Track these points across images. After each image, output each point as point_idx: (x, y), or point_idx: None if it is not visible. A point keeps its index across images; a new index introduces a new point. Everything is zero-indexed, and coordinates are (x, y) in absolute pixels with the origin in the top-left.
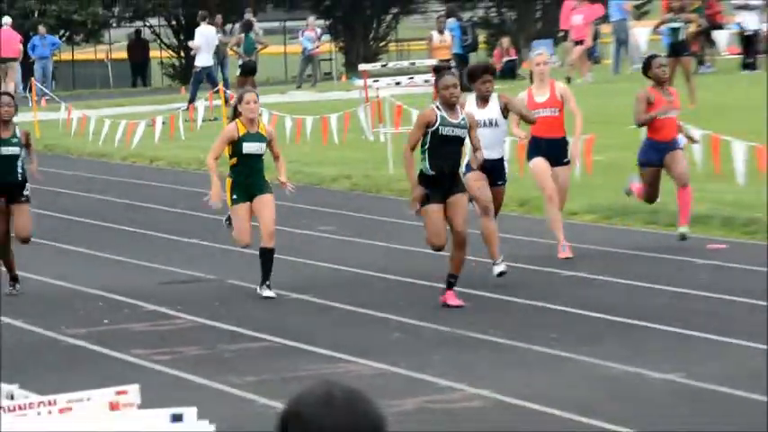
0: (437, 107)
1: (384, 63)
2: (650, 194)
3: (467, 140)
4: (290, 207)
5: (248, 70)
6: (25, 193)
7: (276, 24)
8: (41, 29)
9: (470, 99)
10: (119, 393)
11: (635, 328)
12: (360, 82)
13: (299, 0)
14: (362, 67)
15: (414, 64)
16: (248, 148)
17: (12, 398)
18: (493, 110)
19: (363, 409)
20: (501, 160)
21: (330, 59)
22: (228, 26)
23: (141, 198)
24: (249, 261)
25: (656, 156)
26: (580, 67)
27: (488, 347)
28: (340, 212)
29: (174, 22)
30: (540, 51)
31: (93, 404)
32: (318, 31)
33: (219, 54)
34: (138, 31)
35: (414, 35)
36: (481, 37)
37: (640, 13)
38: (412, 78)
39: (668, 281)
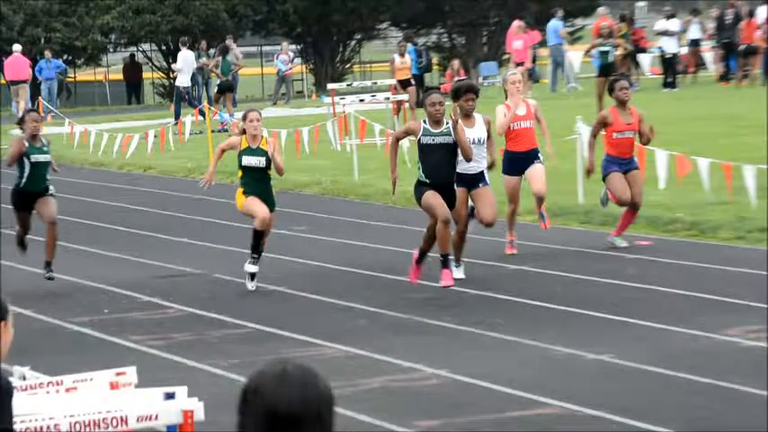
0: (424, 120)
1: (349, 83)
2: (625, 203)
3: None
4: None
5: (225, 88)
6: (50, 190)
7: (254, 49)
8: (47, 53)
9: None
10: (118, 374)
11: (571, 314)
12: (328, 99)
13: (274, 27)
14: (330, 86)
15: (375, 83)
16: (247, 161)
17: (24, 378)
18: (480, 129)
19: (314, 384)
20: (482, 172)
21: (302, 79)
22: (211, 50)
23: (136, 202)
24: (232, 257)
25: (616, 167)
26: (522, 86)
27: (444, 332)
28: (311, 214)
29: (163, 47)
30: (514, 71)
31: (95, 384)
32: (291, 54)
33: (204, 74)
34: (132, 56)
35: (375, 58)
36: (435, 59)
37: (574, 38)
38: (374, 96)
39: (600, 273)
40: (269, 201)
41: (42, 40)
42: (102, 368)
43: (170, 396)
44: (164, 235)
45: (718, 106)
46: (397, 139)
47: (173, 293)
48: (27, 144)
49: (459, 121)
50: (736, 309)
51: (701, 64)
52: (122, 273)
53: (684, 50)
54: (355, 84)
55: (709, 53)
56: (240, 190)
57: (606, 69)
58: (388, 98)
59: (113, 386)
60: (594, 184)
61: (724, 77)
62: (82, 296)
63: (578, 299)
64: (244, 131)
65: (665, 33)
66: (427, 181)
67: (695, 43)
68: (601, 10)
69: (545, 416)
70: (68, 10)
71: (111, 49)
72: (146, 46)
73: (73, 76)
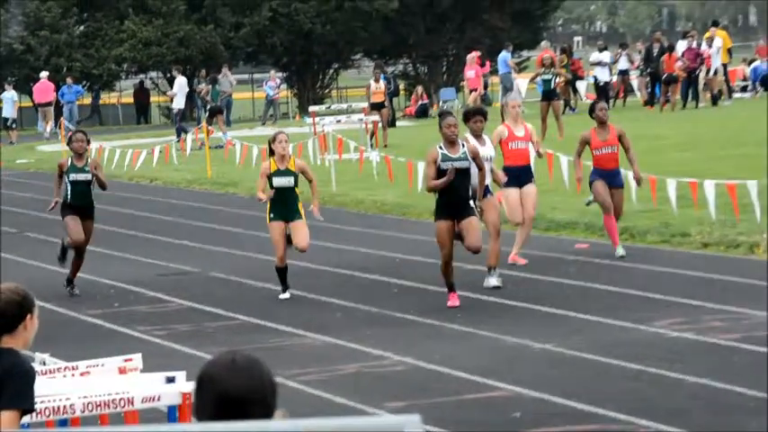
0: (440, 146)
1: (328, 105)
2: (606, 208)
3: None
4: (257, 216)
5: (214, 112)
6: (93, 213)
7: (246, 76)
8: (69, 80)
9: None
10: (126, 360)
11: (520, 309)
12: (310, 120)
13: (263, 58)
14: (311, 108)
15: (350, 106)
16: (278, 182)
17: (44, 364)
18: (489, 148)
19: (259, 372)
20: (487, 186)
21: (287, 103)
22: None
23: (143, 209)
24: (226, 257)
25: (599, 177)
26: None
27: (409, 324)
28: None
29: (168, 75)
30: (514, 97)
31: (105, 369)
32: (278, 81)
33: (202, 99)
34: (141, 82)
35: (350, 84)
36: (401, 85)
37: (520, 68)
38: (349, 117)
39: (545, 272)
40: (296, 212)
41: (65, 69)
42: (112, 355)
43: (171, 380)
44: (166, 238)
45: (644, 127)
46: (434, 178)
47: (174, 289)
48: (69, 163)
49: (473, 141)
50: (662, 304)
51: (629, 90)
52: (130, 271)
53: (615, 79)
54: (333, 107)
55: (635, 81)
56: (268, 206)
57: (548, 95)
58: (361, 119)
59: (121, 371)
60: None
61: (649, 102)
62: (95, 292)
63: (526, 295)
64: (272, 152)
65: (598, 64)
66: (445, 202)
67: (624, 73)
68: (543, 43)
69: (497, 398)
70: (87, 43)
71: (124, 77)
72: (153, 74)
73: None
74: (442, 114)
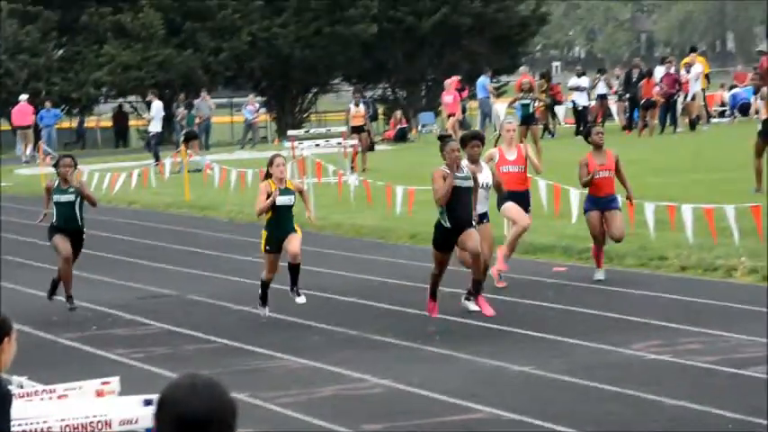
0: (444, 168)
1: (307, 130)
2: (599, 242)
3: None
4: (235, 239)
5: (189, 137)
6: (83, 237)
7: (225, 100)
8: (47, 104)
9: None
10: (103, 384)
11: (499, 331)
12: (288, 144)
13: (242, 82)
14: (290, 132)
15: (329, 130)
16: (281, 201)
17: (21, 387)
18: (486, 174)
19: (219, 394)
20: (486, 212)
21: (266, 127)
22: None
23: (121, 232)
24: (204, 280)
25: (594, 206)
26: (454, 134)
27: (388, 347)
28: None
29: (147, 99)
30: (510, 120)
31: (83, 392)
32: (257, 105)
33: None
34: (120, 106)
35: (329, 108)
36: (380, 110)
37: (499, 92)
38: (328, 141)
39: (523, 295)
40: (293, 228)
41: (43, 93)
42: (89, 378)
43: (148, 402)
44: (145, 261)
45: (622, 151)
46: (448, 191)
47: (152, 312)
48: (55, 185)
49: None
50: (640, 326)
51: (607, 115)
52: (108, 294)
53: (593, 103)
54: (312, 131)
55: (614, 106)
56: (264, 234)
57: (527, 119)
58: (339, 143)
59: (99, 394)
60: None
61: (627, 127)
62: (73, 315)
63: (505, 318)
64: (268, 176)
65: (576, 89)
66: (448, 225)
67: (602, 97)
68: (522, 68)
69: (475, 420)
70: (66, 66)
71: (103, 100)
72: (132, 98)
73: (69, 123)
74: (443, 138)
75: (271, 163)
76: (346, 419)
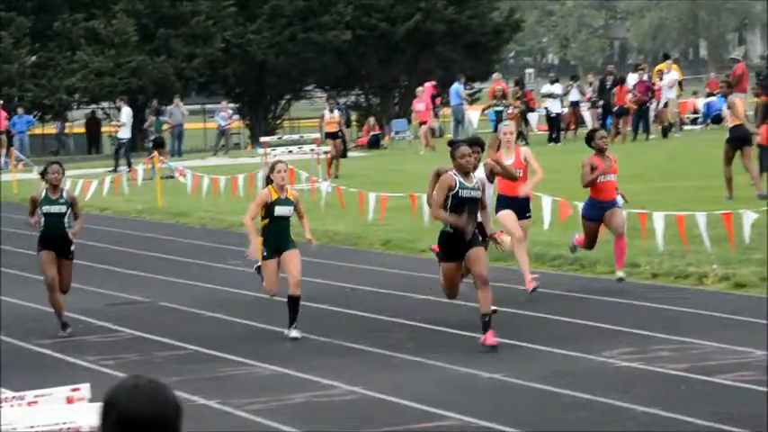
0: (454, 173)
1: (280, 136)
2: (588, 245)
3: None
4: (208, 246)
5: (158, 144)
6: (72, 249)
7: (198, 107)
8: (20, 110)
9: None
10: (74, 390)
11: (470, 338)
12: (261, 150)
13: (216, 88)
14: (263, 139)
15: (302, 137)
16: (279, 211)
17: None
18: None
19: (162, 395)
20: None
21: (239, 133)
22: (163, 108)
23: (94, 239)
24: (175, 287)
25: (596, 213)
26: (425, 141)
27: (359, 354)
28: (245, 250)
29: (116, 105)
30: (507, 123)
31: (53, 398)
32: (230, 111)
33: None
34: (93, 112)
35: (302, 115)
36: (353, 116)
37: (472, 99)
38: (301, 148)
39: (495, 302)
40: (291, 243)
41: (16, 99)
42: (60, 385)
43: None
44: (116, 268)
45: None
46: (441, 204)
47: (123, 319)
48: (43, 195)
49: (496, 162)
50: (610, 333)
51: (580, 122)
52: (80, 301)
53: (566, 110)
54: (285, 137)
55: (587, 112)
56: (260, 240)
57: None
58: (312, 149)
59: (69, 401)
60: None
61: None
62: (44, 321)
63: (475, 324)
64: (269, 182)
65: (550, 96)
66: (452, 231)
67: (575, 104)
68: (495, 75)
69: (446, 427)
70: (39, 73)
71: (75, 107)
72: (104, 104)
73: (41, 129)
74: (454, 144)
75: (272, 169)
76: (317, 427)
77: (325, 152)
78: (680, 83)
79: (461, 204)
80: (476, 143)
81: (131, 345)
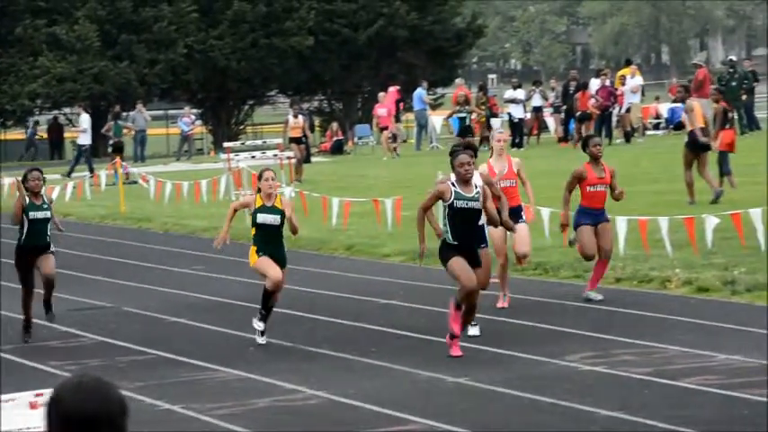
0: (453, 183)
1: (243, 141)
2: (589, 254)
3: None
4: (171, 251)
5: (117, 148)
6: (51, 248)
7: (161, 112)
8: None
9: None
10: (37, 395)
11: (434, 343)
12: (224, 156)
13: (178, 94)
14: (226, 144)
15: (265, 142)
16: (263, 218)
17: None
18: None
19: (106, 392)
20: (482, 226)
21: (202, 139)
22: (124, 114)
23: (56, 244)
24: (138, 292)
25: (589, 220)
26: (386, 147)
27: (323, 359)
28: (208, 255)
29: (74, 112)
30: (501, 130)
31: (17, 403)
32: (193, 117)
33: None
34: (55, 118)
35: (265, 120)
36: (317, 121)
37: (435, 104)
38: (264, 153)
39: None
40: (281, 258)
41: None
42: (23, 390)
43: None
44: (80, 273)
45: (558, 163)
46: (426, 209)
47: (86, 324)
48: (27, 201)
49: (492, 186)
50: (574, 338)
51: (543, 127)
52: (42, 306)
53: (529, 116)
54: (248, 143)
55: (550, 118)
56: (253, 248)
57: (463, 132)
58: (275, 155)
59: (33, 406)
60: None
61: (563, 139)
62: (7, 327)
63: (440, 329)
64: (259, 190)
65: (512, 101)
66: (455, 243)
67: (538, 110)
68: (458, 81)
69: (410, 431)
70: (0, 78)
71: (38, 112)
72: (67, 110)
73: (3, 134)
74: (454, 152)
75: (260, 176)
76: (281, 431)
77: (288, 157)
78: (642, 88)
79: (457, 216)
80: (468, 148)
81: (95, 350)
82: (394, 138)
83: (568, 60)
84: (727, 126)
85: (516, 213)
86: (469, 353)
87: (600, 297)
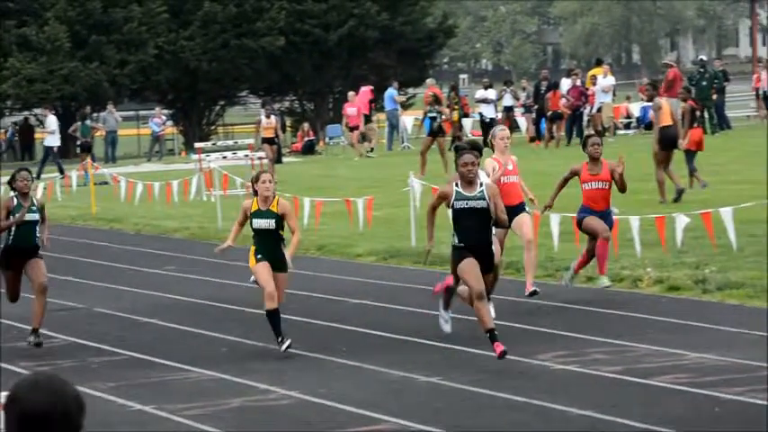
0: (456, 183)
1: (214, 142)
2: (598, 233)
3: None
4: (142, 251)
5: (84, 149)
6: (39, 252)
7: (131, 113)
8: None
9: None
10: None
11: (405, 342)
12: (195, 156)
13: (149, 94)
14: (197, 145)
15: (236, 142)
16: (258, 223)
17: None
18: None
19: (61, 390)
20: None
21: (173, 139)
22: (94, 115)
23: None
24: (110, 293)
25: (589, 215)
26: (355, 146)
27: (295, 359)
28: (180, 255)
29: (53, 112)
30: (502, 128)
31: None
32: (164, 117)
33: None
34: (26, 119)
35: (236, 121)
36: (288, 122)
37: (407, 105)
38: (235, 153)
39: (430, 306)
40: (280, 261)
41: None
42: None
43: None
44: (51, 274)
45: (529, 163)
46: (434, 208)
47: (58, 325)
48: (15, 202)
49: (495, 185)
50: (546, 337)
51: (514, 127)
52: (13, 307)
53: (500, 115)
54: (219, 143)
55: (521, 117)
56: (252, 249)
57: (434, 132)
58: (246, 155)
59: (4, 407)
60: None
61: (535, 138)
62: None
63: (412, 328)
64: (255, 192)
65: (484, 101)
66: (461, 245)
67: (509, 109)
68: (429, 81)
69: (383, 431)
70: None
71: (8, 113)
72: (38, 110)
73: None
74: (459, 150)
75: (256, 179)
76: (253, 431)
77: (260, 158)
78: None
79: (459, 216)
80: (474, 147)
81: (66, 351)
82: (363, 137)
83: (539, 60)
84: (695, 125)
85: (520, 209)
86: (441, 352)
87: (609, 283)
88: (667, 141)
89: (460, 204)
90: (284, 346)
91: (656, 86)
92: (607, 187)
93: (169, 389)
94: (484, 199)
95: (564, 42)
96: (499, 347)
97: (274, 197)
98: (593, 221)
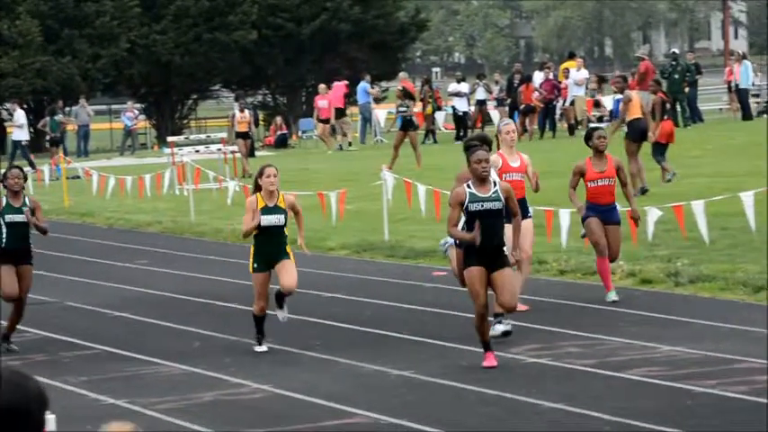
0: (468, 184)
1: (187, 136)
2: (602, 248)
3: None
4: (114, 245)
5: (54, 143)
6: (31, 256)
7: (104, 107)
8: None
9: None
10: None
11: (378, 336)
12: (168, 150)
13: (121, 89)
14: (170, 138)
15: (209, 136)
16: (266, 221)
17: None
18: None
19: (23, 385)
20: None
21: (145, 133)
22: (67, 109)
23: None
24: (81, 287)
25: (594, 213)
26: (326, 140)
27: (268, 352)
28: (153, 249)
29: (25, 106)
30: (508, 122)
31: None
32: (136, 111)
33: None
34: None
35: (209, 115)
36: (261, 116)
37: (380, 98)
38: (208, 147)
39: (403, 299)
40: (285, 252)
41: None
42: None
43: None
44: None
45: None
46: (454, 225)
47: (30, 319)
48: (4, 203)
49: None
50: (518, 330)
51: (487, 120)
52: None
53: (473, 109)
54: (192, 137)
55: (494, 111)
56: (252, 251)
57: (405, 125)
58: (219, 149)
59: None
60: (396, 224)
61: None
62: None
63: (384, 322)
64: (258, 188)
65: (456, 94)
66: (475, 246)
67: (481, 103)
68: (402, 74)
69: (355, 425)
70: None
71: None
72: (9, 105)
73: None
74: (470, 147)
75: (260, 174)
76: (226, 425)
77: (232, 152)
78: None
79: (474, 219)
80: (483, 141)
81: (38, 345)
82: (333, 130)
83: (512, 54)
84: (666, 117)
85: (523, 207)
86: (414, 345)
87: (615, 298)
88: (637, 134)
89: (475, 207)
90: (261, 348)
91: (627, 79)
92: (613, 183)
93: (142, 383)
94: (499, 200)
95: (536, 36)
96: (489, 360)
97: (279, 193)
98: (595, 233)
